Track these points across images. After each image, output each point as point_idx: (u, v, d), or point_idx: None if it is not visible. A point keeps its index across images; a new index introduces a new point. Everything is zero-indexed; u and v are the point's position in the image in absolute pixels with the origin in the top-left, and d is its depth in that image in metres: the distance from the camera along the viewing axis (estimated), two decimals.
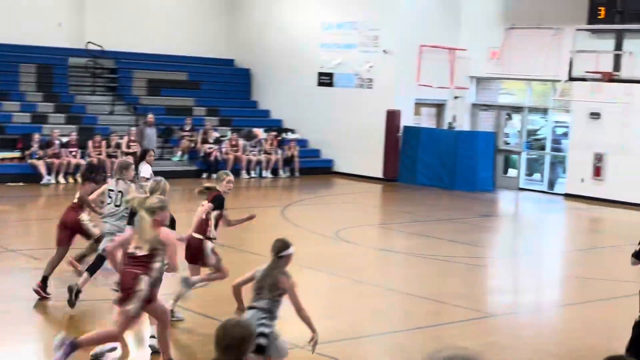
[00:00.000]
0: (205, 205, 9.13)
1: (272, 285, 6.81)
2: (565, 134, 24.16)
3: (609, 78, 16.59)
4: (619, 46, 16.67)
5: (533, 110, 25.12)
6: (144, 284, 7.11)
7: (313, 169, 25.04)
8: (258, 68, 27.56)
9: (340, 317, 10.25)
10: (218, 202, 9.25)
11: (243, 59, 27.93)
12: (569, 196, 22.42)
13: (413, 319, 10.44)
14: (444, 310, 10.76)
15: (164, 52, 26.20)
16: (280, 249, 7.05)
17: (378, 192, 23.04)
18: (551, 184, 24.01)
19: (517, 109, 25.07)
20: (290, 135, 25.80)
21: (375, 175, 24.21)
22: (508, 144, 25.23)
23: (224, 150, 23.58)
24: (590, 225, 20.03)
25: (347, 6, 24.97)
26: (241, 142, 24.06)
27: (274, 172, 24.18)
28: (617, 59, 16.72)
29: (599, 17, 21.12)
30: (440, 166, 23.56)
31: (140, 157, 12.38)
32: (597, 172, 21.95)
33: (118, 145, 22.03)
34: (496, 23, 23.94)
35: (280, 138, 25.09)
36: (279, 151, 24.51)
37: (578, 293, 12.38)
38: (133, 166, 10.53)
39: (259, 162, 24.04)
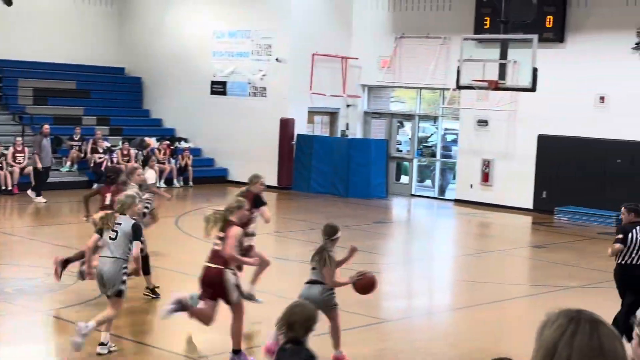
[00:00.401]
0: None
1: (323, 262, 8.32)
2: (455, 141, 24.76)
3: (495, 86, 17.08)
4: (504, 55, 17.17)
5: (423, 117, 25.65)
6: (229, 275, 8.30)
7: (207, 178, 24.87)
8: (150, 76, 27.20)
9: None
10: (259, 200, 10.73)
11: (134, 68, 27.52)
12: (458, 202, 22.99)
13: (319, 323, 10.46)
14: (342, 317, 10.83)
15: (52, 60, 25.55)
16: (331, 233, 8.52)
17: (272, 201, 23.02)
18: (442, 190, 24.57)
19: (408, 117, 25.55)
20: (183, 145, 25.55)
21: (270, 183, 24.09)
22: (400, 151, 25.67)
23: (115, 160, 23.15)
24: (479, 230, 20.57)
25: (239, 15, 24.94)
26: (133, 151, 23.67)
27: (168, 181, 23.89)
28: (503, 68, 17.23)
29: (485, 27, 21.79)
30: (333, 174, 23.78)
31: (143, 164, 12.25)
32: (485, 177, 22.58)
33: (3, 156, 21.33)
34: (387, 32, 24.36)
35: (173, 147, 24.81)
36: (172, 161, 24.24)
37: (468, 297, 12.69)
38: (140, 170, 10.71)
39: None
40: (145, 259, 10.55)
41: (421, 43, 23.59)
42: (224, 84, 25.47)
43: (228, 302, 8.49)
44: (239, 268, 9.24)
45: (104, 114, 25.79)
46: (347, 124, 25.47)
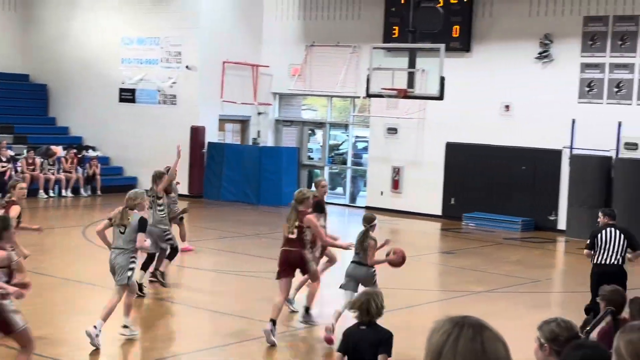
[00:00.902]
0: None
1: (366, 244, 9.91)
2: (366, 149, 25.00)
3: (404, 95, 17.31)
4: (412, 64, 17.43)
5: (334, 125, 25.81)
6: (307, 254, 10.24)
7: (116, 187, 24.39)
8: (56, 83, 26.59)
9: (144, 337, 10.04)
10: (319, 206, 11.33)
11: (39, 74, 26.85)
12: (369, 209, 23.18)
13: (219, 336, 10.39)
14: (251, 326, 10.79)
15: None
16: (370, 220, 10.28)
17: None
18: (353, 198, 24.75)
19: (319, 125, 25.67)
20: (91, 153, 25.05)
21: (181, 192, 23.88)
22: (311, 159, 25.77)
23: (19, 168, 22.53)
24: (390, 236, 20.73)
25: (149, 21, 24.63)
26: (38, 160, 23.08)
27: (75, 191, 23.37)
28: (411, 76, 17.48)
29: (394, 36, 22.10)
30: (245, 182, 23.69)
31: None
32: (396, 185, 22.87)
33: None
34: (297, 40, 24.45)
35: (80, 156, 24.29)
36: (80, 169, 23.72)
37: None
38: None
39: (58, 181, 23.14)
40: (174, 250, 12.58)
41: (331, 51, 23.76)
42: (132, 91, 25.09)
43: (308, 271, 10.54)
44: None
45: (8, 121, 25.05)
46: (259, 132, 25.42)
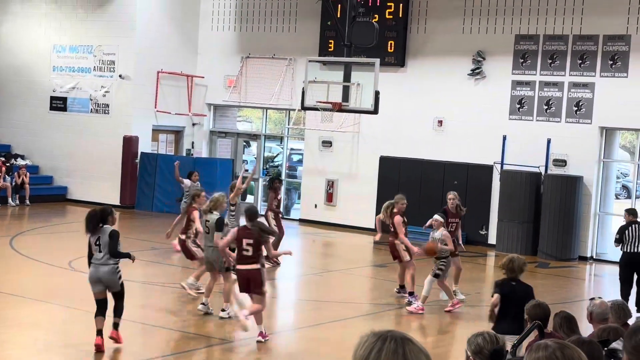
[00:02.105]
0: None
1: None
2: (300, 161, 25.02)
3: (339, 108, 17.39)
4: (347, 78, 17.53)
5: (269, 137, 25.78)
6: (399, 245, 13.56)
7: (46, 196, 23.98)
8: None
9: (74, 351, 9.86)
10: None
11: None
12: (303, 221, 23.21)
13: (149, 348, 10.25)
14: (180, 337, 10.68)
15: None
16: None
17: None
18: (287, 210, 24.73)
19: (254, 136, 25.61)
20: (20, 162, 24.53)
21: (112, 202, 23.60)
22: (246, 170, 25.64)
23: None
24: (323, 249, 20.83)
25: (82, 29, 24.29)
26: None
27: (2, 200, 22.84)
28: (346, 90, 17.58)
29: (329, 49, 22.22)
30: (178, 193, 23.42)
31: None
32: (330, 198, 22.93)
33: None
34: (233, 52, 24.39)
35: (9, 164, 23.77)
36: (8, 178, 23.21)
37: (310, 316, 12.79)
38: (238, 186, 15.01)
39: None
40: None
41: (267, 63, 23.76)
42: (64, 99, 24.69)
43: (401, 260, 13.37)
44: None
45: None
46: (193, 143, 25.25)
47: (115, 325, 9.79)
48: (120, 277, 9.75)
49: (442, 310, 13.24)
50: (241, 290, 10.58)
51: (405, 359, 2.49)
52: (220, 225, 11.56)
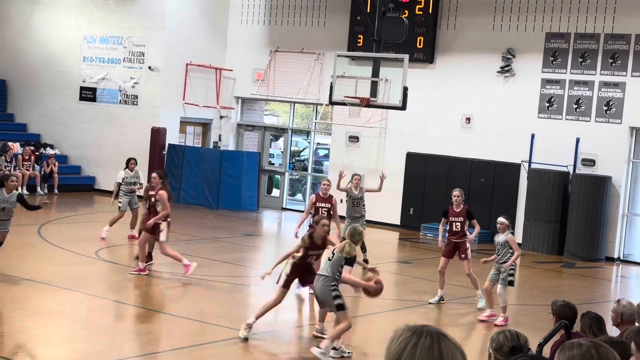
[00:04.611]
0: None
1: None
2: (327, 156, 25.01)
3: (366, 103, 17.36)
4: (375, 73, 17.49)
5: (296, 131, 25.81)
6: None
7: (73, 186, 24.17)
8: (15, 80, 26.24)
9: (98, 339, 9.94)
10: (470, 215, 13.19)
11: None
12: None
13: (174, 339, 10.31)
14: (206, 330, 10.73)
15: None
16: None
17: (141, 211, 22.60)
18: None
19: (281, 130, 25.65)
20: (49, 151, 24.75)
21: (139, 193, 23.75)
22: (272, 164, 25.73)
23: None
24: None
25: (112, 20, 24.44)
26: None
27: (31, 188, 23.06)
28: (374, 86, 17.54)
29: (358, 44, 22.18)
30: (204, 185, 23.57)
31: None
32: None
33: None
34: (262, 45, 24.42)
35: (38, 153, 23.99)
36: (37, 167, 23.42)
37: None
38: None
39: None
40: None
41: (296, 58, 23.77)
42: (93, 90, 24.87)
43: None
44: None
45: None
46: (220, 136, 25.33)
47: None
48: None
49: (463, 306, 13.19)
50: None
51: (441, 355, 2.44)
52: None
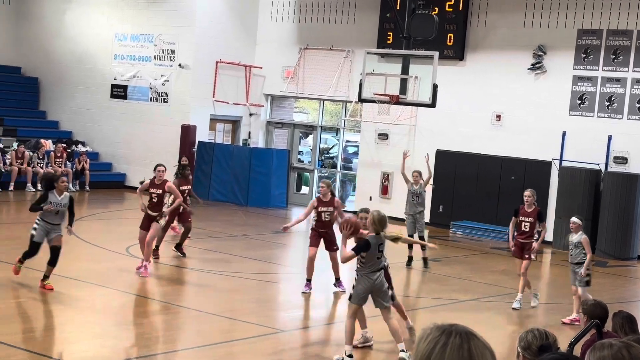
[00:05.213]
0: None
1: None
2: (356, 153, 24.99)
3: (396, 101, 17.32)
4: (405, 70, 17.45)
5: (325, 129, 25.80)
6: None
7: (104, 182, 24.37)
8: (47, 77, 26.50)
9: (129, 335, 10.01)
10: (541, 215, 13.19)
11: (31, 68, 26.75)
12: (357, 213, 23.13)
13: (204, 336, 10.36)
14: (236, 327, 10.77)
15: None
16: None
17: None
18: (341, 201, 24.70)
19: (310, 128, 25.66)
20: (81, 148, 24.97)
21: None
22: (301, 161, 25.74)
23: (8, 161, 22.44)
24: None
25: (143, 18, 24.59)
26: (28, 153, 22.99)
27: None
28: (404, 83, 17.50)
29: (388, 42, 22.12)
30: (234, 182, 23.64)
31: None
32: (385, 190, 22.86)
33: None
34: (291, 43, 24.44)
35: (70, 150, 24.21)
36: (69, 164, 23.64)
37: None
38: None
39: None
40: None
41: (325, 55, 23.76)
42: (124, 87, 25.04)
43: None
44: None
45: None
46: (250, 133, 25.40)
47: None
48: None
49: (493, 305, 13.12)
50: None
51: (471, 355, 2.42)
52: None
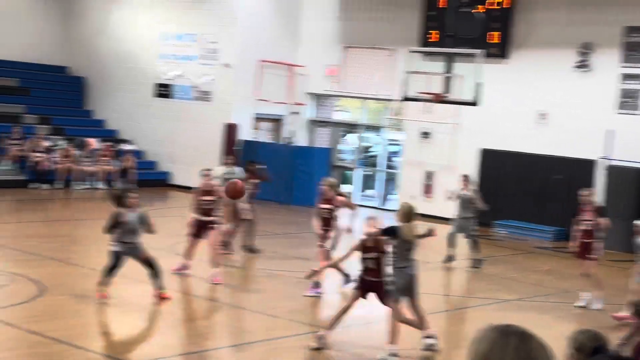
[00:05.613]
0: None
1: None
2: (397, 152, 24.92)
3: (439, 99, 17.26)
4: (448, 69, 17.38)
5: (368, 127, 25.78)
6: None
7: (149, 181, 24.62)
8: (93, 76, 26.86)
9: (172, 333, 10.10)
10: (601, 211, 13.13)
11: (78, 67, 27.13)
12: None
13: (247, 333, 10.42)
14: (277, 324, 10.81)
15: None
16: None
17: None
18: (384, 200, 24.69)
19: (353, 126, 25.64)
20: (126, 146, 25.26)
21: None
22: (343, 160, 25.74)
23: (55, 160, 22.78)
24: (419, 241, 20.63)
25: (187, 18, 24.79)
26: (74, 151, 23.32)
27: (109, 183, 23.57)
28: (447, 81, 17.43)
29: (431, 40, 22.02)
30: (277, 181, 23.69)
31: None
32: (427, 189, 22.75)
33: None
34: (334, 41, 24.45)
35: (115, 149, 24.50)
36: (114, 162, 23.93)
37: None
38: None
39: (92, 173, 23.38)
40: None
41: (368, 54, 23.72)
42: (168, 86, 25.27)
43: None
44: None
45: (45, 113, 25.37)
46: (292, 132, 25.46)
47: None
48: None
49: (538, 305, 13.01)
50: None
51: (529, 355, 2.40)
52: None
